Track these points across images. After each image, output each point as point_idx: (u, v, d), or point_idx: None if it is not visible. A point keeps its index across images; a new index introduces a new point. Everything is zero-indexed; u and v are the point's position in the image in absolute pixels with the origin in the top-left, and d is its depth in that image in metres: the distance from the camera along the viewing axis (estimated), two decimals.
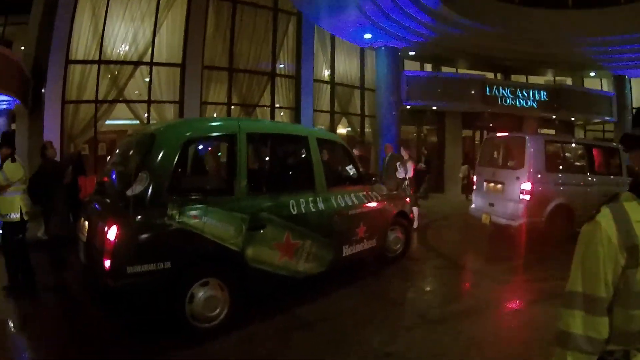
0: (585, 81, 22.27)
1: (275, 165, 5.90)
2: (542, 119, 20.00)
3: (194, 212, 4.17)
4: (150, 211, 4.00)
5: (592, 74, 21.33)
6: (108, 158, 7.55)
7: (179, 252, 4.10)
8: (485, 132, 19.80)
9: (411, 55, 16.78)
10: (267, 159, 5.88)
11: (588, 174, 8.76)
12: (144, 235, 3.99)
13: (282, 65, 14.49)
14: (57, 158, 8.88)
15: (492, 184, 8.78)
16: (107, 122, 12.37)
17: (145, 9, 12.32)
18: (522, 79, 20.74)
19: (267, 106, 14.07)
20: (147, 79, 12.41)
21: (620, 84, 20.55)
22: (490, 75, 19.39)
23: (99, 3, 11.89)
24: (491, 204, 8.63)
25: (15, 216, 5.51)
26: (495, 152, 9.26)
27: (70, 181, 7.74)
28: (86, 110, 11.82)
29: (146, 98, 12.39)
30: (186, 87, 12.54)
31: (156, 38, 12.40)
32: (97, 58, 11.81)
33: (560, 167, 8.71)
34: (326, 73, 15.74)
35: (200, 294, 4.18)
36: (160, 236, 4.04)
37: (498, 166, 8.88)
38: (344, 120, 16.05)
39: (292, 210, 4.99)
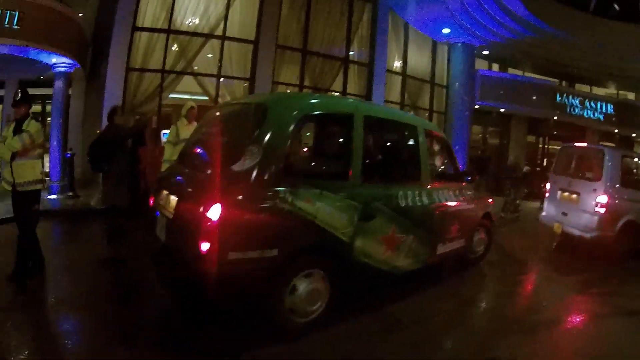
0: None
1: (386, 152, 5.56)
2: (604, 131, 19.49)
3: (308, 196, 3.77)
4: (260, 190, 3.55)
5: None
6: (185, 129, 7.16)
7: (288, 239, 3.68)
8: (547, 139, 19.38)
9: (483, 54, 16.12)
10: (379, 145, 5.51)
11: None
12: (253, 217, 3.48)
13: (354, 52, 13.77)
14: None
15: (566, 194, 8.57)
16: (171, 95, 11.81)
17: None
18: (585, 88, 20.08)
19: (338, 92, 13.39)
20: (217, 53, 11.72)
21: None
22: (554, 81, 18.88)
23: None
24: (564, 214, 8.46)
25: (38, 184, 4.93)
26: (571, 162, 9.02)
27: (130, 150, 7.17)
28: (151, 80, 11.19)
29: (215, 72, 11.71)
30: (258, 65, 11.90)
31: (229, 12, 11.73)
32: (165, 27, 11.17)
33: (634, 183, 8.37)
34: (397, 64, 15.02)
35: (303, 285, 3.82)
36: (271, 220, 3.56)
37: (574, 176, 8.64)
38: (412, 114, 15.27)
39: (400, 202, 4.73)
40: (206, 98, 11.92)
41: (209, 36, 11.55)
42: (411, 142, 5.40)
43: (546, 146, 19.41)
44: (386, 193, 4.60)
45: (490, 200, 6.91)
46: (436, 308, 4.88)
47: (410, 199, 4.88)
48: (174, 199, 3.95)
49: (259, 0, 12.07)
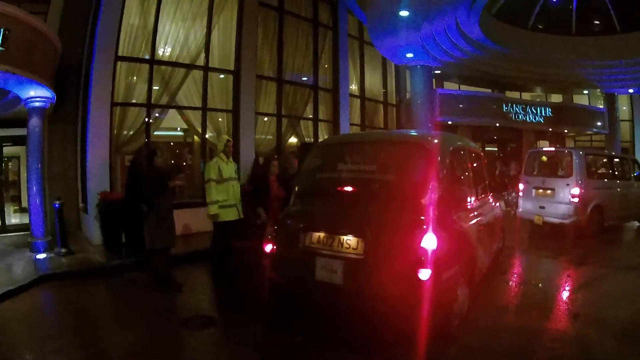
0: (575, 98, 24.74)
1: (475, 174, 6.48)
2: (538, 131, 22.08)
3: (463, 216, 5.08)
4: (446, 217, 4.46)
5: (585, 92, 24.11)
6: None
7: (462, 253, 4.72)
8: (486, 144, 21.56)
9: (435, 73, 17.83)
10: (474, 168, 6.42)
11: (612, 179, 11.09)
12: (449, 240, 4.30)
13: (321, 78, 14.76)
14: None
15: (541, 190, 10.62)
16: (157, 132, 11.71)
17: (197, 9, 11.73)
18: (515, 94, 22.62)
19: (309, 119, 14.42)
20: (200, 85, 11.81)
21: (610, 100, 23.14)
22: (487, 90, 21.23)
23: None
24: (542, 207, 10.49)
25: None
26: (541, 164, 11.34)
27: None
28: (136, 115, 10.89)
29: (200, 105, 11.76)
30: (242, 96, 12.20)
31: (210, 40, 11.91)
32: (148, 56, 10.92)
33: (595, 175, 10.84)
34: (355, 87, 16.29)
35: (460, 292, 4.62)
36: (455, 240, 4.57)
37: (547, 175, 10.85)
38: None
39: (486, 213, 6.30)
40: (181, 134, 12.20)
41: (191, 67, 11.53)
42: (479, 164, 6.58)
43: (485, 149, 21.66)
44: (483, 206, 6.14)
45: (499, 203, 8.14)
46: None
47: (489, 209, 6.56)
48: (352, 239, 4.30)
49: (236, 30, 12.35)
